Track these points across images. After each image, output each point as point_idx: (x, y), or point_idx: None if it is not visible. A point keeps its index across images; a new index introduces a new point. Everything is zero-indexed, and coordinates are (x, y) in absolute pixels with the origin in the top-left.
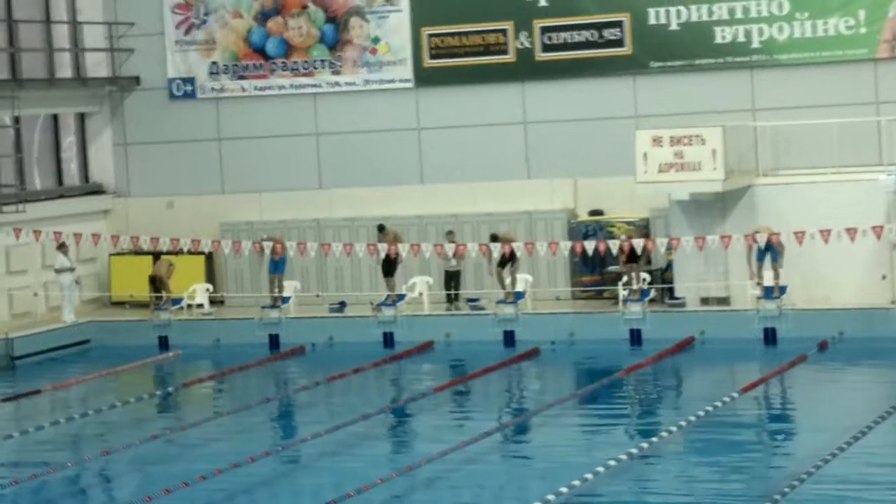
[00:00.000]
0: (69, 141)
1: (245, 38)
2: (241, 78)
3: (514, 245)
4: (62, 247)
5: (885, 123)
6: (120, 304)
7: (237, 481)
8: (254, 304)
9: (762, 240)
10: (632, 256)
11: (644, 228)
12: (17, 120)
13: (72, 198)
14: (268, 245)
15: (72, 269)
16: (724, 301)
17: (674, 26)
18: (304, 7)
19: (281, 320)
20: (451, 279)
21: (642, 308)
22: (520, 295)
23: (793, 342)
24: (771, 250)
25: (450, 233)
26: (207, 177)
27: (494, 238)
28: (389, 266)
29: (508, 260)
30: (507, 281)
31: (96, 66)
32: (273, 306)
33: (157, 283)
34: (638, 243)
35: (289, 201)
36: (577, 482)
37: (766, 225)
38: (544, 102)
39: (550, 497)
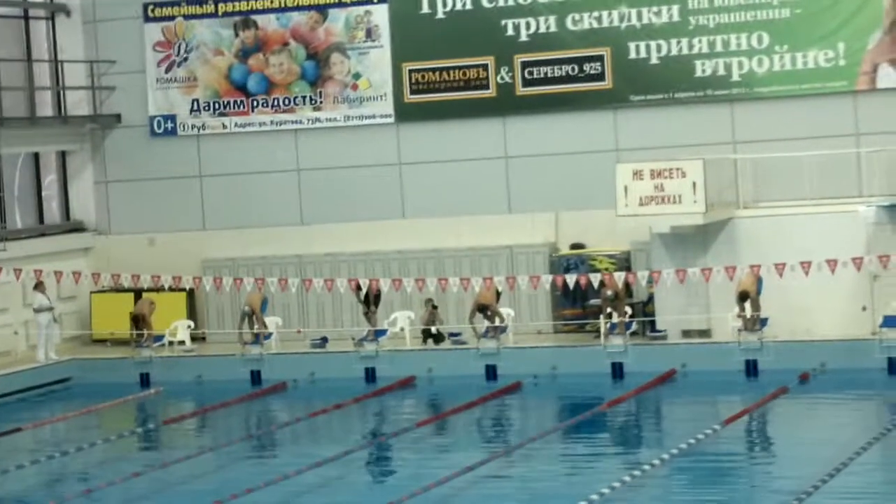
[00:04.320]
0: (50, 179)
1: (226, 76)
2: (223, 115)
3: (496, 280)
4: (39, 286)
5: (864, 155)
6: (101, 341)
7: None
8: (235, 341)
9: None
10: (615, 295)
11: (625, 261)
12: None
13: (53, 236)
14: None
15: (50, 309)
16: (705, 333)
17: (654, 60)
18: (285, 44)
19: (262, 356)
20: (432, 337)
21: (624, 341)
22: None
23: (774, 374)
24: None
25: (429, 301)
26: (189, 214)
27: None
28: (368, 303)
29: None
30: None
31: (77, 104)
32: (254, 342)
33: (139, 321)
34: (619, 276)
35: (270, 237)
36: None
37: (747, 278)
38: (525, 137)
39: None
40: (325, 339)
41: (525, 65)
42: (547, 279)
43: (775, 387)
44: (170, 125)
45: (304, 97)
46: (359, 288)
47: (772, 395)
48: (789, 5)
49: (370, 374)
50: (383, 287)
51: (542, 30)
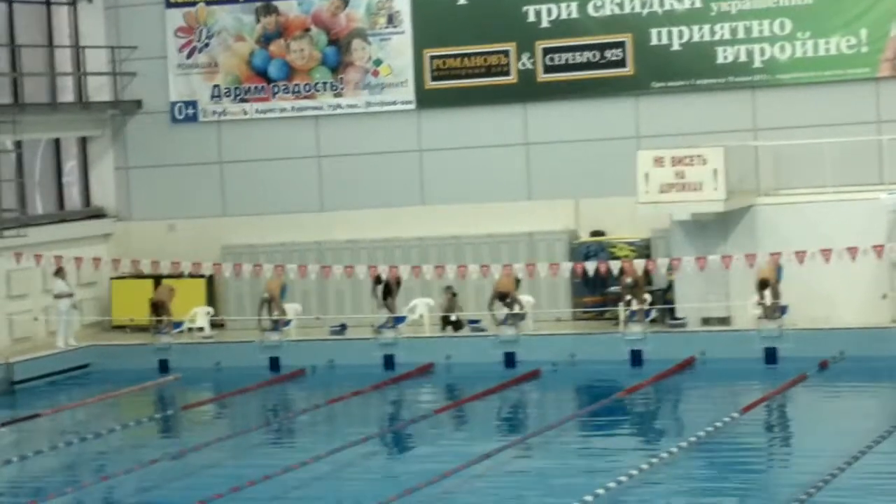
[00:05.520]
0: (71, 165)
1: (247, 61)
2: (243, 101)
3: (516, 266)
4: (59, 272)
5: (886, 143)
6: (121, 327)
7: None
8: (254, 328)
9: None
10: (635, 282)
11: (645, 249)
12: (18, 144)
13: (73, 222)
14: None
15: (70, 295)
16: (724, 321)
17: (676, 46)
18: (307, 30)
19: (281, 343)
20: (451, 324)
21: (643, 328)
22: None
23: (794, 362)
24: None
25: (448, 288)
26: (209, 200)
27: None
28: (387, 292)
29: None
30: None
31: (98, 89)
32: (273, 329)
33: (158, 308)
34: (639, 264)
35: (290, 224)
36: None
37: (767, 266)
38: (546, 123)
39: None
40: (343, 326)
41: (546, 51)
42: (566, 266)
43: (795, 374)
44: (191, 111)
45: (325, 83)
46: (378, 282)
47: (791, 382)
48: None
49: (389, 361)
50: (403, 274)
51: (564, 16)
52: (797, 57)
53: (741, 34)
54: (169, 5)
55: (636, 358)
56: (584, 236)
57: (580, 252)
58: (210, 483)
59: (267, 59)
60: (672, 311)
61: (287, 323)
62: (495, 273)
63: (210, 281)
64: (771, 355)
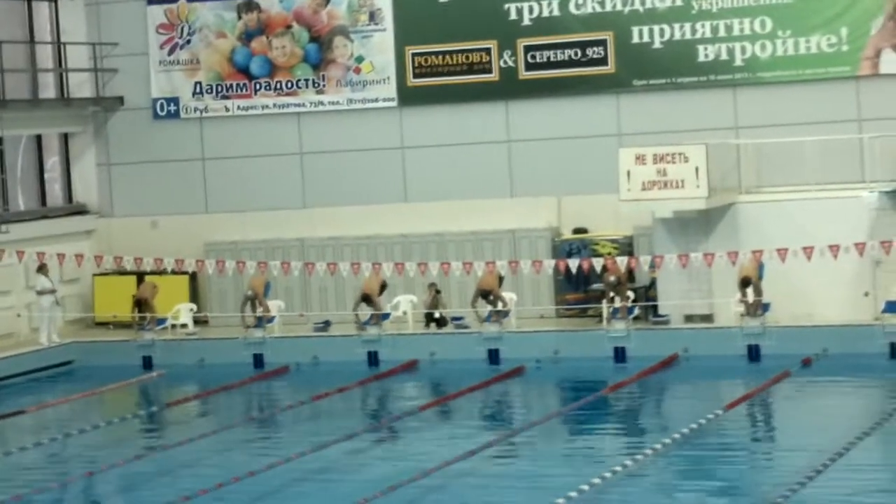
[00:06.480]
0: (53, 161)
1: (229, 58)
2: (225, 98)
3: (499, 264)
4: (42, 268)
5: (867, 141)
6: (104, 324)
7: (222, 501)
8: (238, 324)
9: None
10: (618, 280)
11: (628, 246)
12: (0, 140)
13: (55, 218)
14: None
15: (53, 291)
16: (707, 318)
17: (657, 44)
18: (288, 27)
19: (265, 340)
20: (435, 321)
21: (626, 326)
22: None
23: (776, 359)
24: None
25: (432, 285)
26: (191, 197)
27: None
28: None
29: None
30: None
31: (80, 86)
32: (257, 326)
33: (141, 304)
34: (622, 261)
35: (273, 221)
36: (561, 500)
37: (749, 264)
38: (528, 121)
39: None
40: (327, 323)
41: (528, 49)
42: (549, 263)
43: (777, 371)
44: (172, 108)
45: (306, 80)
46: (364, 299)
47: (774, 379)
48: None
49: (373, 358)
50: (385, 272)
51: (545, 14)
52: (778, 55)
53: (722, 32)
54: (150, 2)
55: (619, 355)
56: (567, 233)
57: (563, 249)
58: (194, 480)
59: (248, 56)
60: (655, 308)
61: (271, 320)
62: (478, 270)
63: (193, 278)
64: (754, 352)
